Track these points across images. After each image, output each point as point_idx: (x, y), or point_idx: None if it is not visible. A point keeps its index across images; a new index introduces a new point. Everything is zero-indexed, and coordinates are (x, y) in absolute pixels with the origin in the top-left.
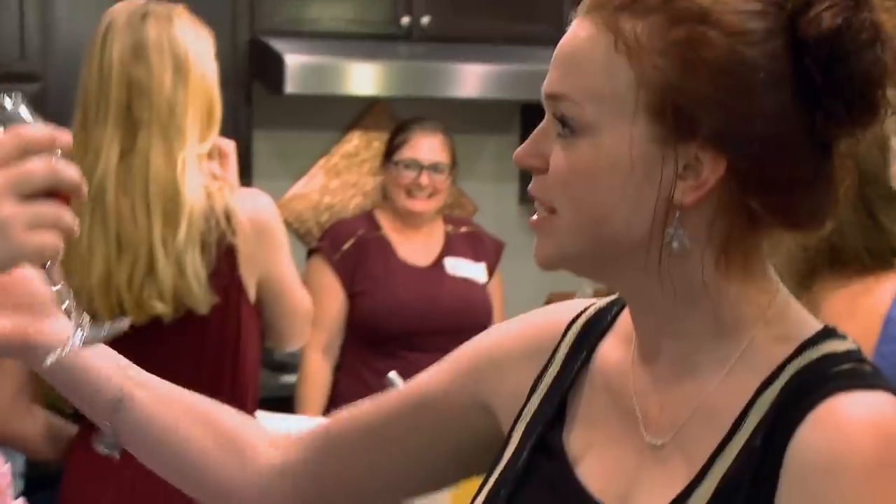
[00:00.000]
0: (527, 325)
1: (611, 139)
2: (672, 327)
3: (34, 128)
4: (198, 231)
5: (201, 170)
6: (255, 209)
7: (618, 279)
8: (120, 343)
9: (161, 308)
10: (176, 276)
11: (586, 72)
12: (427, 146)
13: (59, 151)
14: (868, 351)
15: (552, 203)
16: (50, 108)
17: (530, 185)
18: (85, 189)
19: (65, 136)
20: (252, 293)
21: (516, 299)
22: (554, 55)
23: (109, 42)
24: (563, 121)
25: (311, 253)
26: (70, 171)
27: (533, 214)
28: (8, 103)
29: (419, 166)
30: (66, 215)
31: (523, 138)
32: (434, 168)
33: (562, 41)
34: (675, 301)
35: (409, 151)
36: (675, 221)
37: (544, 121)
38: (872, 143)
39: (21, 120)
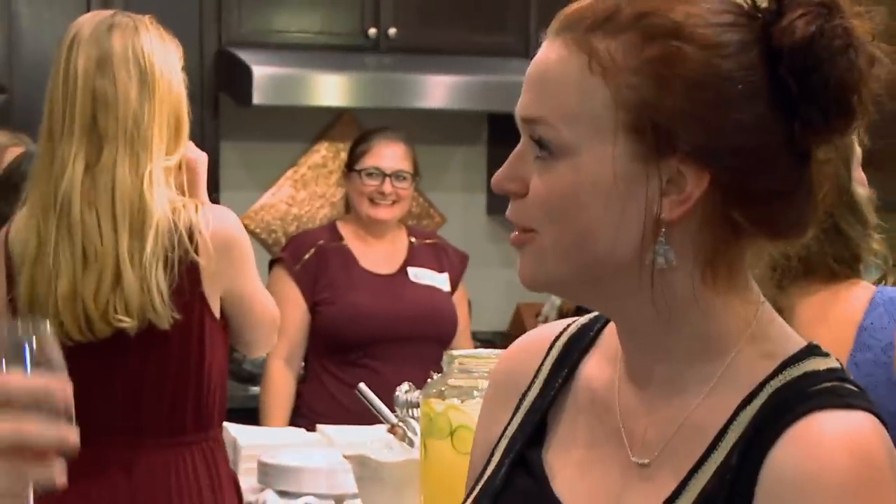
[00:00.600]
0: (508, 352)
1: (591, 160)
2: (661, 347)
3: (31, 379)
4: (162, 247)
5: (168, 184)
6: (219, 227)
7: (605, 301)
8: (86, 356)
9: (127, 322)
10: (141, 291)
11: (561, 94)
12: (389, 154)
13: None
14: (842, 358)
15: (533, 227)
16: (16, 119)
17: (509, 210)
18: (76, 445)
19: (61, 392)
20: (216, 308)
21: (485, 308)
22: (526, 77)
23: (74, 54)
24: (540, 143)
25: (272, 263)
26: (49, 434)
27: (502, 226)
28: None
29: (382, 174)
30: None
31: (491, 149)
32: (397, 176)
33: (533, 63)
34: (663, 319)
35: (371, 160)
36: (660, 238)
37: (520, 144)
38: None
39: (24, 358)
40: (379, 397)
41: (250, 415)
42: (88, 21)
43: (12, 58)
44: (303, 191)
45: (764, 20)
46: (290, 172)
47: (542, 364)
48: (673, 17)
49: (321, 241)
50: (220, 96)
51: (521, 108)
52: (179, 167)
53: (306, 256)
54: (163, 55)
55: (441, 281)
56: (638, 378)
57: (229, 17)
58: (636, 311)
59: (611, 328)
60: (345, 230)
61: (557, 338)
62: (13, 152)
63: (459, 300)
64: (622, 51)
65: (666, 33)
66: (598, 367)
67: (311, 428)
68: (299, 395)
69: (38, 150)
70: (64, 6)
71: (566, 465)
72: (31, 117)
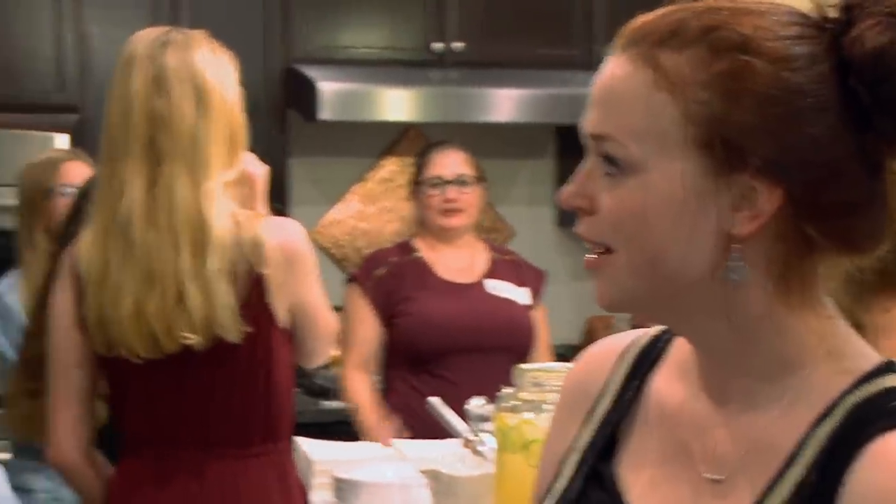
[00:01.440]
0: (577, 364)
1: (660, 176)
2: (735, 363)
3: None
4: (227, 261)
5: (228, 198)
6: (284, 238)
7: (680, 320)
8: (155, 372)
9: (192, 339)
10: (206, 307)
11: (628, 110)
12: (448, 162)
13: None
14: None
15: (605, 243)
16: (88, 138)
17: (579, 227)
18: None
19: None
20: (282, 320)
21: (556, 322)
22: (591, 94)
23: (130, 73)
24: (608, 160)
25: (348, 281)
26: None
27: (571, 239)
28: None
29: (444, 182)
30: None
31: (558, 161)
32: (459, 181)
33: (598, 80)
34: (737, 336)
35: (432, 170)
36: (733, 254)
37: (587, 160)
38: None
39: None
40: (455, 409)
41: (322, 429)
42: (143, 39)
43: (84, 78)
44: (371, 205)
45: (833, 31)
46: (357, 187)
47: (611, 375)
48: (741, 30)
49: (395, 258)
50: (287, 112)
51: (587, 125)
52: (239, 181)
53: (379, 272)
54: (217, 70)
55: (520, 294)
56: (711, 393)
57: (295, 34)
58: (711, 329)
59: (680, 340)
60: (419, 243)
61: (627, 349)
62: (71, 167)
63: (540, 316)
64: (690, 65)
65: (734, 47)
66: (668, 381)
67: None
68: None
69: (98, 171)
70: (133, 26)
71: (638, 479)
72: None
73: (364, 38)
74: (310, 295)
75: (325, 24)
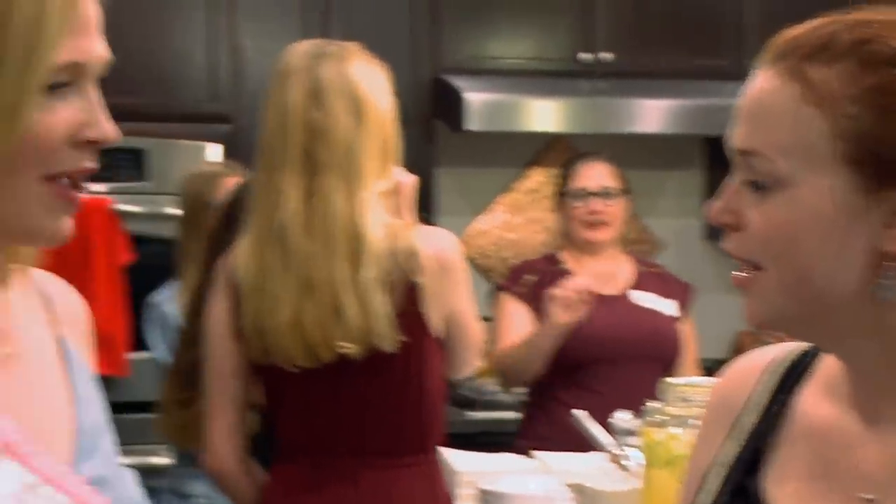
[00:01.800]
0: (722, 378)
1: (809, 192)
2: (890, 384)
3: None
4: (382, 270)
5: (382, 208)
6: (439, 247)
7: (831, 339)
8: (311, 380)
9: (349, 348)
10: (362, 316)
11: (775, 125)
12: (593, 174)
13: None
14: None
15: (753, 260)
16: (241, 149)
17: (726, 243)
18: None
19: None
20: (436, 329)
21: (704, 335)
22: (738, 108)
23: (287, 85)
24: (756, 175)
25: (495, 291)
26: None
27: (720, 252)
28: None
29: (589, 194)
30: None
31: (707, 173)
32: (603, 193)
33: (746, 94)
34: (891, 356)
35: (577, 182)
36: (885, 272)
37: (735, 175)
38: None
39: None
40: (600, 420)
41: (467, 440)
42: (299, 52)
43: (236, 88)
44: (517, 216)
45: None
46: (504, 198)
47: (755, 389)
48: (893, 44)
49: (539, 269)
50: (434, 122)
51: (734, 140)
52: (391, 191)
53: (527, 279)
54: (372, 81)
55: (666, 306)
56: (861, 412)
57: (443, 45)
58: (862, 348)
59: (828, 355)
60: (565, 255)
61: (771, 363)
62: (231, 182)
63: (687, 330)
64: (839, 80)
65: (886, 61)
66: (815, 397)
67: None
68: (526, 420)
69: (255, 181)
70: (286, 37)
71: (783, 494)
72: (256, 147)
73: (512, 48)
74: (462, 304)
75: (473, 34)
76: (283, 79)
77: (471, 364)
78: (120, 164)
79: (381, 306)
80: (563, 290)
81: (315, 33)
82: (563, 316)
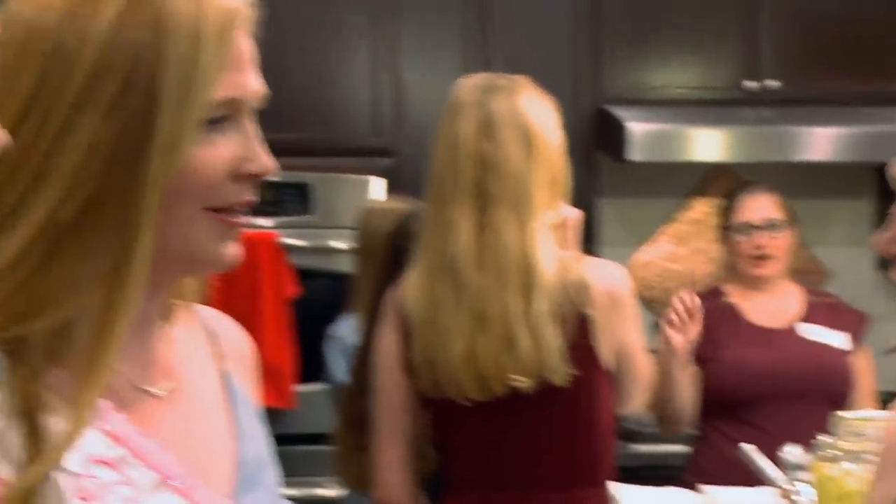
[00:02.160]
0: None
1: None
2: None
3: None
4: (554, 303)
5: (552, 240)
6: (609, 280)
7: None
8: (482, 414)
9: (521, 381)
10: (534, 349)
11: None
12: (757, 207)
13: None
14: None
15: None
16: (403, 182)
17: (894, 274)
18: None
19: None
20: (606, 362)
21: (880, 368)
22: None
23: (458, 118)
24: None
25: (660, 324)
26: None
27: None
28: None
29: (753, 228)
30: None
31: (878, 202)
32: (768, 226)
33: None
34: None
35: (740, 215)
36: None
37: None
38: None
39: None
40: (769, 458)
41: (631, 473)
42: (469, 85)
43: (399, 122)
44: (682, 246)
45: None
46: (667, 228)
47: None
48: None
49: (704, 303)
50: (596, 153)
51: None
52: (559, 224)
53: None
54: (541, 115)
55: (836, 339)
56: None
57: (604, 75)
58: None
59: None
60: (729, 288)
61: None
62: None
63: (862, 362)
64: None
65: None
66: None
67: (697, 487)
68: (694, 456)
69: (426, 213)
70: (448, 71)
71: None
72: (418, 180)
73: (675, 77)
74: (631, 338)
75: (635, 63)
76: (453, 112)
77: (638, 399)
78: (286, 198)
79: (553, 339)
80: (670, 311)
81: (476, 66)
82: (676, 338)
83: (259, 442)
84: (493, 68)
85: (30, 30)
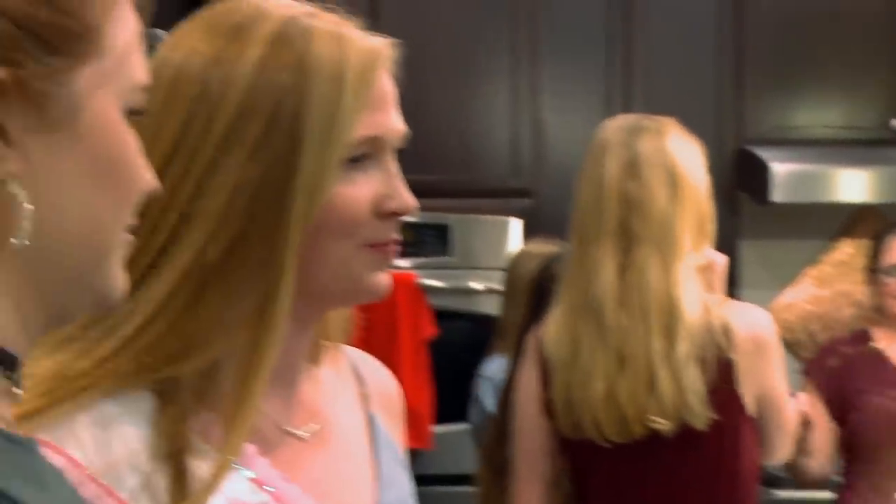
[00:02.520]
0: None
1: None
2: None
3: None
4: (696, 346)
5: (696, 282)
6: (753, 324)
7: None
8: (620, 456)
9: (662, 424)
10: (676, 391)
11: None
12: None
13: None
14: None
15: None
16: (543, 223)
17: None
18: None
19: None
20: (749, 407)
21: None
22: None
23: (604, 159)
24: None
25: (803, 373)
26: None
27: None
28: None
29: None
30: None
31: None
32: None
33: None
34: None
35: (888, 257)
36: None
37: None
38: None
39: None
40: None
41: None
42: (616, 126)
43: (539, 163)
44: (825, 288)
45: None
46: (811, 270)
47: None
48: None
49: (848, 348)
50: (738, 194)
51: None
52: (704, 266)
53: (832, 363)
54: (688, 156)
55: None
56: None
57: (747, 115)
58: None
59: None
60: (875, 333)
61: None
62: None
63: None
64: None
65: None
66: None
67: None
68: (836, 499)
69: (569, 254)
70: (588, 112)
71: None
72: (557, 221)
73: (819, 117)
74: (775, 384)
75: (779, 104)
76: (599, 152)
77: (784, 448)
78: (425, 239)
79: (694, 382)
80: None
81: (617, 107)
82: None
83: (401, 486)
84: (633, 109)
85: (178, 74)
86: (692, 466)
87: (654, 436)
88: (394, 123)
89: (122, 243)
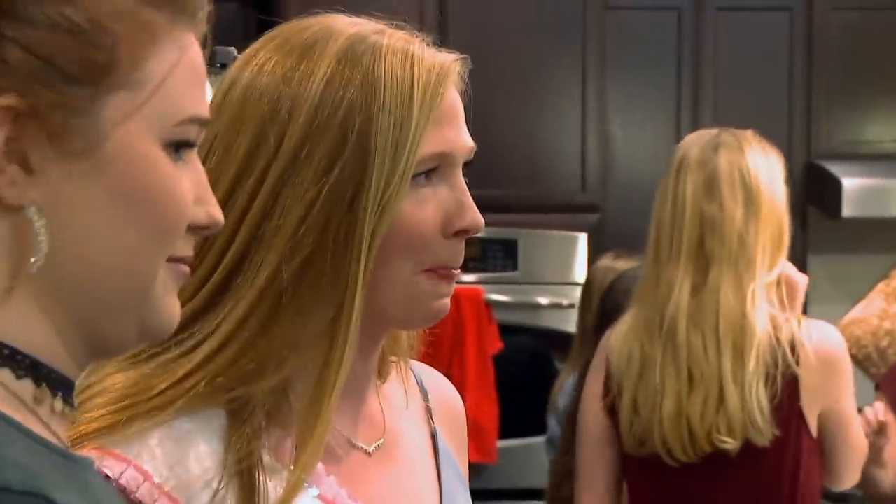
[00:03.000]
0: None
1: None
2: None
3: None
4: (763, 363)
5: (769, 299)
6: (822, 340)
7: None
8: (686, 475)
9: (729, 443)
10: (742, 409)
11: None
12: None
13: None
14: None
15: None
16: (610, 238)
17: None
18: None
19: None
20: (813, 426)
21: None
22: None
23: (682, 177)
24: None
25: (875, 388)
26: None
27: None
28: None
29: None
30: None
31: None
32: None
33: None
34: None
35: None
36: None
37: None
38: None
39: None
40: None
41: None
42: (695, 142)
43: (607, 178)
44: (895, 304)
45: None
46: (881, 285)
47: None
48: None
49: None
50: (808, 209)
51: None
52: (778, 282)
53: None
54: (767, 171)
55: None
56: None
57: (818, 130)
58: None
59: None
60: None
61: None
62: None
63: None
64: None
65: None
66: None
67: None
68: None
69: (643, 271)
70: (656, 127)
71: None
72: (625, 236)
73: (889, 131)
74: (844, 404)
75: (850, 118)
76: (677, 169)
77: (851, 473)
78: (493, 254)
79: (760, 399)
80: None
81: (686, 122)
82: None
83: (462, 502)
84: (702, 124)
85: (246, 94)
86: (753, 484)
87: (717, 453)
88: (462, 139)
89: (169, 274)
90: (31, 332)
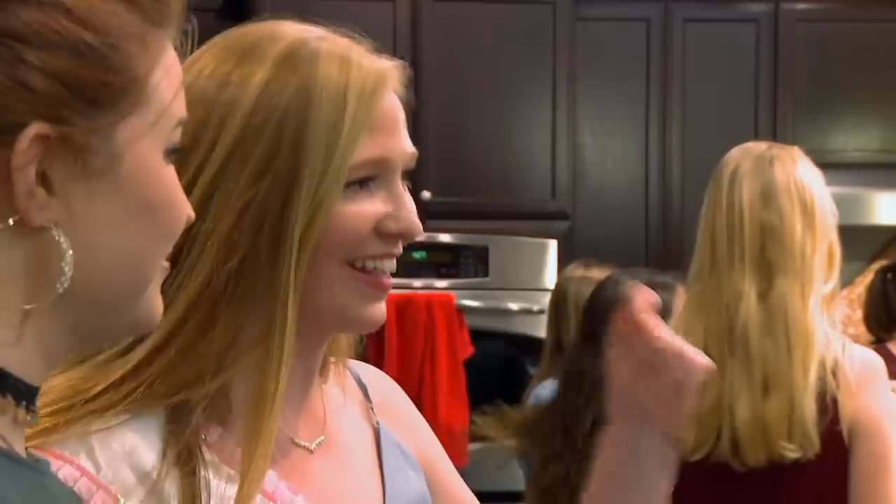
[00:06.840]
0: None
1: None
2: None
3: None
4: (818, 377)
5: (824, 314)
6: (862, 362)
7: None
8: (748, 483)
9: (790, 450)
10: (801, 420)
11: None
12: None
13: None
14: None
15: None
16: (578, 245)
17: None
18: None
19: None
20: (848, 444)
21: None
22: None
23: (738, 185)
24: None
25: None
26: None
27: None
28: None
29: None
30: None
31: None
32: None
33: None
34: None
35: None
36: None
37: None
38: None
39: None
40: None
41: None
42: (746, 154)
43: (576, 186)
44: (859, 310)
45: None
46: (845, 292)
47: None
48: None
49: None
50: None
51: None
52: (830, 297)
53: None
54: (819, 186)
55: None
56: None
57: (784, 139)
58: None
59: None
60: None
61: None
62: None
63: None
64: None
65: None
66: None
67: None
68: None
69: (695, 279)
70: (625, 135)
71: None
72: (594, 243)
73: (854, 140)
74: (879, 421)
75: (816, 128)
76: (731, 179)
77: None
78: (464, 260)
79: (812, 412)
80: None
81: (654, 131)
82: None
83: (409, 489)
84: (670, 134)
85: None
86: (796, 498)
87: (774, 464)
88: (400, 145)
89: (160, 272)
90: (10, 344)
